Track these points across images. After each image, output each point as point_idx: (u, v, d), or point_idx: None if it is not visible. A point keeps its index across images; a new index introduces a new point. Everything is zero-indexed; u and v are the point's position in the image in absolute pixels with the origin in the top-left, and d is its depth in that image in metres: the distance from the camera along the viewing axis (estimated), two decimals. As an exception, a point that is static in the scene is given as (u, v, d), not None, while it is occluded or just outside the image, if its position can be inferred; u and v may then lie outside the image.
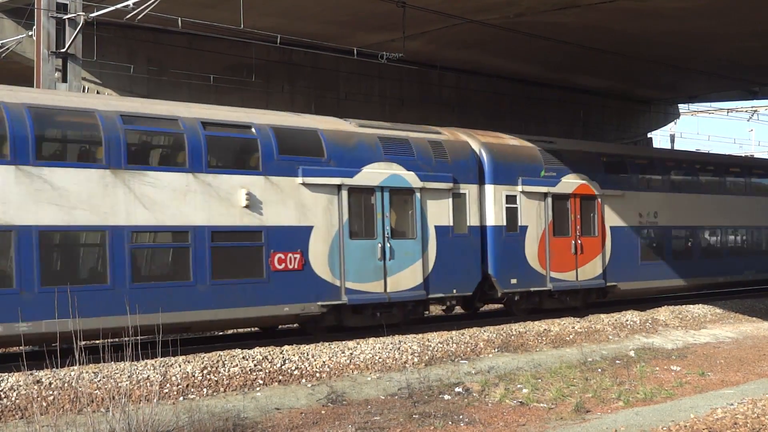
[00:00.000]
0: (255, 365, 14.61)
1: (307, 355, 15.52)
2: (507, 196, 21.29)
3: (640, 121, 43.65)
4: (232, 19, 21.61)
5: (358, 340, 17.07)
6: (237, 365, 14.45)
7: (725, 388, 15.17)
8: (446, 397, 14.38)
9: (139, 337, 12.91)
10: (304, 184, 17.47)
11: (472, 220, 20.51)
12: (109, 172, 15.10)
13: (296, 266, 17.22)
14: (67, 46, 19.66)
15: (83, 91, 22.29)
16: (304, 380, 14.69)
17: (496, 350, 17.90)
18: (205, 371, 14.03)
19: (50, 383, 12.64)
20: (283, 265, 17.05)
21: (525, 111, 36.08)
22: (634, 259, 24.61)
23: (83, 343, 10.98)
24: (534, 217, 21.84)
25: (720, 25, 27.30)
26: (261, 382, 14.29)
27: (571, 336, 19.70)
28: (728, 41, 29.60)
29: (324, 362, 15.39)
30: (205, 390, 13.65)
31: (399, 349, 16.68)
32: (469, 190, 20.53)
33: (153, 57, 27.06)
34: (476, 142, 21.32)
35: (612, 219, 23.94)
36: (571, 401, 14.01)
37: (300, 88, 30.22)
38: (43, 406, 12.07)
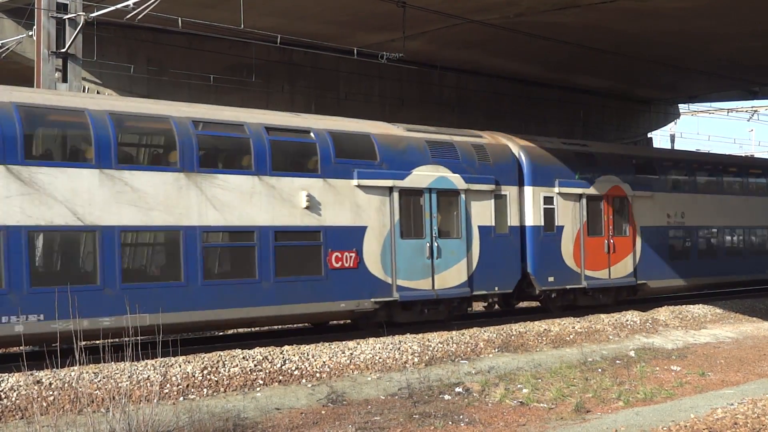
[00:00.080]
0: (255, 365, 14.61)
1: (308, 355, 15.52)
2: (545, 197, 22.19)
3: (640, 121, 43.64)
4: (232, 19, 21.61)
5: (358, 340, 17.09)
6: (237, 365, 14.45)
7: (725, 388, 15.17)
8: (446, 397, 14.38)
9: (139, 338, 12.92)
10: (359, 186, 18.34)
11: (513, 220, 21.41)
12: (183, 175, 15.93)
13: (352, 264, 18.06)
14: (67, 46, 19.65)
15: (83, 91, 22.28)
16: (304, 380, 14.70)
17: (497, 350, 17.90)
18: (205, 371, 14.03)
19: (50, 383, 12.64)
20: (340, 263, 17.89)
21: (525, 111, 36.07)
22: (662, 257, 25.47)
23: (83, 343, 11.00)
24: (570, 217, 22.76)
25: (720, 25, 27.30)
26: (261, 382, 14.30)
27: (571, 336, 19.70)
28: (728, 41, 29.60)
29: (324, 362, 15.39)
30: (205, 390, 13.65)
31: (399, 349, 16.68)
32: (510, 191, 21.42)
33: (153, 57, 27.05)
34: (515, 145, 22.23)
35: (642, 219, 24.85)
36: (571, 401, 14.01)
37: (300, 88, 30.21)
38: (44, 407, 12.08)
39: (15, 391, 12.36)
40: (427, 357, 16.64)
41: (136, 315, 13.97)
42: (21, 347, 12.17)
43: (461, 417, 12.95)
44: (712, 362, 18.31)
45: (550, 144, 23.47)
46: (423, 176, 19.50)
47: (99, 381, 12.77)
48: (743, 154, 54.46)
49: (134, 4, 19.49)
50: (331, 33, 26.77)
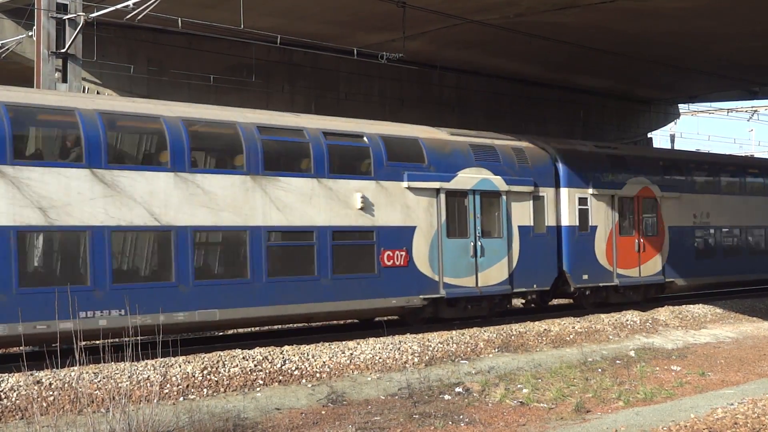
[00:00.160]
0: (255, 365, 14.61)
1: (308, 355, 15.52)
2: (579, 198, 23.13)
3: (640, 121, 43.63)
4: (232, 19, 21.60)
5: (358, 340, 17.09)
6: (237, 365, 14.45)
7: (725, 388, 15.17)
8: (446, 397, 14.38)
9: (139, 338, 12.92)
10: (408, 188, 19.22)
11: (550, 220, 22.33)
12: (249, 178, 16.78)
13: (402, 263, 18.94)
14: (67, 47, 19.64)
15: (83, 91, 22.28)
16: (304, 380, 14.69)
17: (497, 350, 17.90)
18: (205, 371, 14.03)
19: (50, 384, 12.64)
20: (392, 261, 18.77)
21: (525, 111, 36.06)
22: (689, 256, 26.49)
23: (83, 343, 11.00)
24: (602, 217, 23.69)
25: (720, 25, 27.30)
26: (261, 382, 14.29)
27: (571, 336, 19.70)
28: (728, 41, 29.59)
29: (324, 362, 15.39)
30: (205, 390, 13.65)
31: (399, 349, 16.68)
32: (547, 193, 22.36)
33: (153, 57, 27.04)
34: (551, 148, 23.19)
35: (670, 219, 25.80)
36: (571, 401, 14.01)
37: (300, 88, 30.20)
38: (44, 407, 12.08)
39: (15, 391, 12.36)
40: (427, 357, 16.64)
41: (205, 311, 15.67)
42: (99, 341, 12.31)
43: (461, 417, 12.95)
44: (712, 362, 18.31)
45: (584, 147, 24.62)
46: (467, 178, 20.38)
47: (99, 381, 12.77)
48: (743, 154, 54.42)
49: (134, 4, 19.48)
50: (331, 33, 26.77)
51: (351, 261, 18.19)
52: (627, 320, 21.92)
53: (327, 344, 16.41)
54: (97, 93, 25.10)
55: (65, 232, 14.74)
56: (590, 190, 23.33)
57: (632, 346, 19.64)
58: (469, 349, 17.58)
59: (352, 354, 15.99)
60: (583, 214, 23.13)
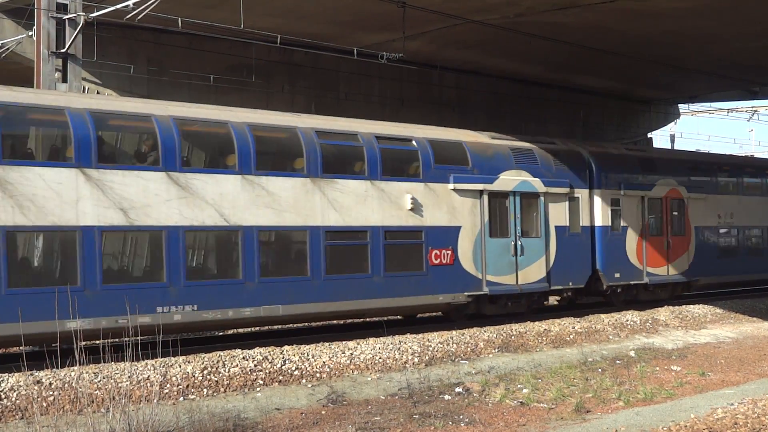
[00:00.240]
0: (255, 365, 14.61)
1: (308, 355, 15.52)
2: (611, 200, 24.05)
3: (640, 121, 43.59)
4: (232, 19, 21.59)
5: (358, 340, 17.09)
6: (237, 365, 14.45)
7: (725, 388, 15.18)
8: (446, 397, 14.38)
9: (139, 338, 12.92)
10: (454, 189, 20.06)
11: (584, 220, 23.26)
12: (309, 180, 17.66)
13: (448, 261, 19.79)
14: (67, 47, 19.63)
15: (83, 91, 22.27)
16: (304, 380, 14.69)
17: (497, 350, 17.90)
18: (205, 371, 14.02)
19: (50, 384, 12.64)
20: (439, 260, 19.62)
21: (525, 111, 36.03)
22: (714, 255, 27.51)
23: (83, 343, 11.01)
24: (633, 218, 24.58)
25: (720, 25, 27.28)
26: (261, 382, 14.29)
27: (571, 336, 19.70)
28: (728, 41, 29.57)
29: (324, 362, 15.39)
30: (205, 390, 13.65)
31: (399, 349, 16.68)
32: (582, 194, 23.27)
33: (153, 57, 27.02)
34: (585, 151, 24.18)
35: (696, 219, 26.78)
36: (571, 401, 14.01)
37: (300, 88, 30.18)
38: (44, 407, 12.08)
39: (15, 391, 12.36)
40: (427, 357, 16.64)
41: (269, 306, 16.69)
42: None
43: (461, 417, 12.95)
44: (712, 362, 18.31)
45: (615, 150, 25.89)
46: (508, 180, 21.25)
47: (99, 381, 12.77)
48: (743, 155, 54.41)
49: (134, 4, 19.46)
50: (331, 33, 26.75)
51: (401, 259, 19.02)
52: (627, 320, 21.92)
53: (327, 344, 16.42)
54: (97, 93, 25.09)
55: (144, 232, 15.64)
56: (621, 192, 24.22)
57: (632, 346, 19.64)
58: (469, 349, 17.58)
59: (352, 354, 15.99)
60: (615, 215, 24.03)
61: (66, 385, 12.62)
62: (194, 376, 13.83)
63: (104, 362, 11.50)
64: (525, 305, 21.90)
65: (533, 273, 21.56)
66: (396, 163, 19.43)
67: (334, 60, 28.61)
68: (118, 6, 19.94)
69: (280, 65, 29.10)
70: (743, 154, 54.57)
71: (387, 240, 18.70)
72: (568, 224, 22.61)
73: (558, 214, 22.36)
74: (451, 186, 19.97)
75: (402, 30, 22.26)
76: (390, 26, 24.60)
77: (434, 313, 22.06)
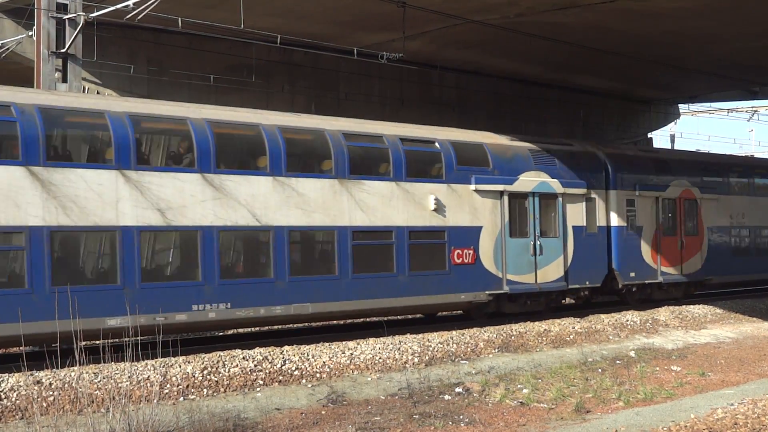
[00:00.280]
0: (255, 365, 14.61)
1: (308, 355, 15.52)
2: (627, 200, 24.40)
3: (640, 121, 43.59)
4: (232, 19, 21.58)
5: (358, 340, 17.09)
6: (237, 365, 14.45)
7: (725, 388, 15.18)
8: (446, 397, 14.38)
9: (140, 338, 12.92)
10: (475, 190, 20.44)
11: (600, 220, 23.66)
12: (337, 182, 18.05)
13: (470, 260, 20.20)
14: (67, 47, 19.63)
15: (83, 91, 22.27)
16: (304, 380, 14.69)
17: (497, 350, 17.90)
18: (205, 371, 14.02)
19: (50, 384, 12.64)
20: (461, 259, 20.02)
21: (525, 111, 36.03)
22: (726, 254, 27.93)
23: (84, 343, 11.01)
24: (648, 218, 24.92)
25: (720, 25, 27.28)
26: (261, 382, 14.29)
27: (571, 336, 19.70)
28: (728, 41, 29.57)
29: (324, 362, 15.39)
30: (205, 390, 13.65)
31: (399, 349, 16.68)
32: (598, 194, 23.67)
33: (153, 57, 27.01)
34: (602, 152, 24.62)
35: (709, 220, 27.24)
36: (571, 401, 14.01)
37: (300, 88, 30.18)
38: (44, 407, 12.08)
39: (15, 391, 12.36)
40: (427, 357, 16.64)
41: (299, 305, 17.10)
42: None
43: (461, 417, 12.95)
44: (712, 362, 18.31)
45: (630, 151, 26.51)
46: (528, 181, 21.63)
47: (99, 381, 12.77)
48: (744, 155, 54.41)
49: (134, 4, 19.45)
50: (331, 33, 26.75)
51: (425, 259, 19.40)
52: (627, 320, 21.92)
53: (327, 344, 16.42)
54: (97, 93, 25.08)
55: (180, 232, 16.05)
56: (637, 192, 24.54)
57: (632, 346, 19.64)
58: (469, 349, 17.58)
59: (352, 354, 15.99)
60: (631, 215, 24.41)
61: (66, 385, 12.62)
62: (194, 376, 13.83)
63: (104, 362, 11.50)
64: (543, 304, 22.32)
65: (552, 272, 21.95)
66: (420, 165, 19.77)
67: (334, 60, 28.61)
68: (118, 6, 19.94)
69: (280, 65, 29.10)
70: (743, 155, 54.56)
71: (411, 240, 19.08)
72: (585, 224, 22.99)
73: (575, 215, 22.72)
74: (472, 187, 20.34)
75: (402, 30, 22.26)
76: (390, 26, 24.60)
77: (455, 312, 22.48)
